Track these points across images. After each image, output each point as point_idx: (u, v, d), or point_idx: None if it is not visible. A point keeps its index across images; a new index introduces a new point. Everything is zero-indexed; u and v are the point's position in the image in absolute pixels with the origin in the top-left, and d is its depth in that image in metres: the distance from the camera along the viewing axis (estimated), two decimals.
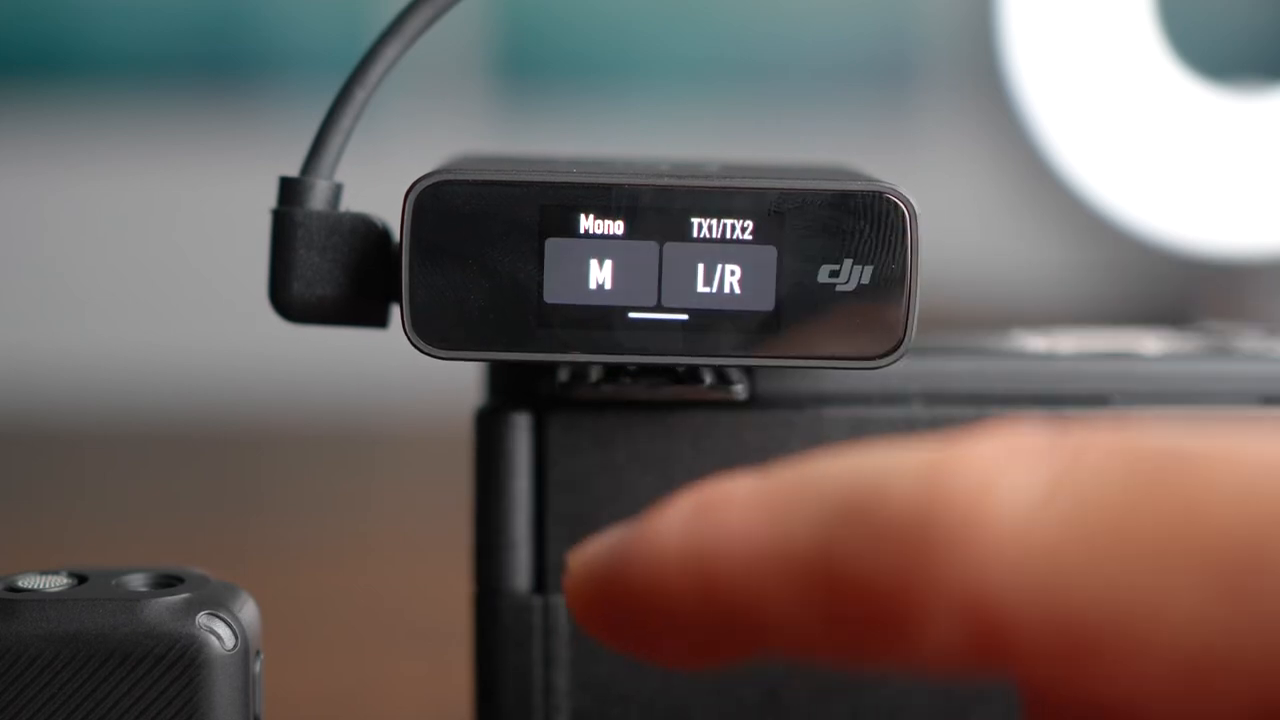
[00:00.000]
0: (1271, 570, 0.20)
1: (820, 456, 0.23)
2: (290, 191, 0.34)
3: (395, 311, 0.33)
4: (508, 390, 0.36)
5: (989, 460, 0.22)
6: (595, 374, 0.35)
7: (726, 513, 0.23)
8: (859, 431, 0.36)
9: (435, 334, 0.32)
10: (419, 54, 0.36)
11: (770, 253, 0.32)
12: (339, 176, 0.34)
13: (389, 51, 0.34)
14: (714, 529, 0.23)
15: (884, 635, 0.22)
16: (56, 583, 0.32)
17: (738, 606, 0.23)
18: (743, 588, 0.23)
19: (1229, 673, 0.20)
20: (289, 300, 0.34)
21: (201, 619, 0.31)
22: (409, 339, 0.32)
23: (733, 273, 0.32)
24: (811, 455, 0.24)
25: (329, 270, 0.34)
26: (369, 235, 0.34)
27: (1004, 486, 0.22)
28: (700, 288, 0.32)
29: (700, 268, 0.32)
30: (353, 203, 0.34)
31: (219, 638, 0.31)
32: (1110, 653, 0.21)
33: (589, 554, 0.25)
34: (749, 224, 0.32)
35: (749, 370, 0.35)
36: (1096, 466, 0.22)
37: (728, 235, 0.32)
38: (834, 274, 0.32)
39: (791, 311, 0.32)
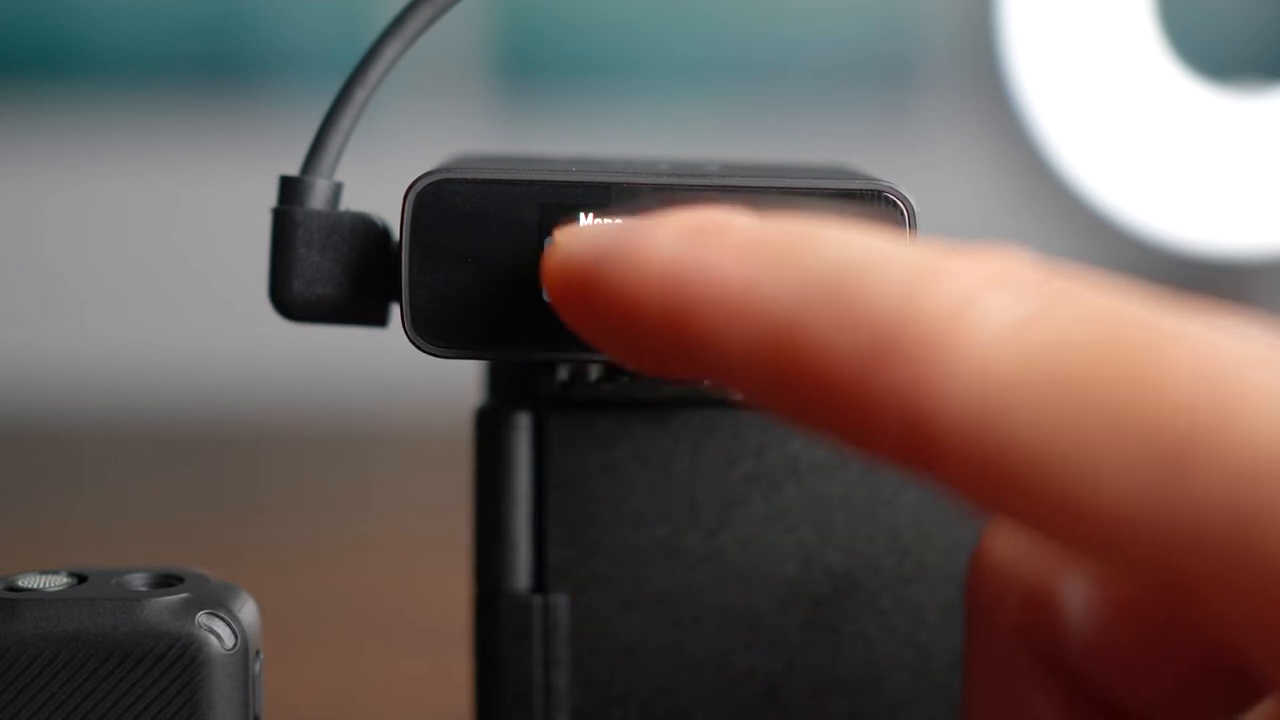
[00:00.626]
0: (1202, 463, 0.20)
1: (822, 222, 0.24)
2: (290, 191, 0.34)
3: (395, 310, 0.33)
4: (508, 390, 0.36)
5: (974, 280, 0.22)
6: (595, 374, 0.35)
7: (716, 247, 0.24)
8: None
9: (435, 333, 0.32)
10: (419, 54, 0.36)
11: None
12: (339, 176, 0.34)
13: (389, 51, 0.34)
14: (700, 257, 0.24)
15: (826, 411, 0.23)
16: (56, 583, 0.32)
17: (700, 338, 0.24)
18: (709, 325, 0.23)
19: (1149, 546, 0.21)
20: (289, 299, 0.34)
21: (201, 619, 0.31)
22: (409, 338, 0.32)
23: None
24: (812, 218, 0.24)
25: (329, 269, 0.34)
26: (369, 234, 0.34)
27: (978, 310, 0.22)
28: None
29: None
30: (353, 202, 0.34)
31: (219, 637, 0.31)
32: (1034, 494, 0.21)
33: (577, 237, 0.26)
34: None
35: None
36: (1073, 317, 0.22)
37: None
38: None
39: None
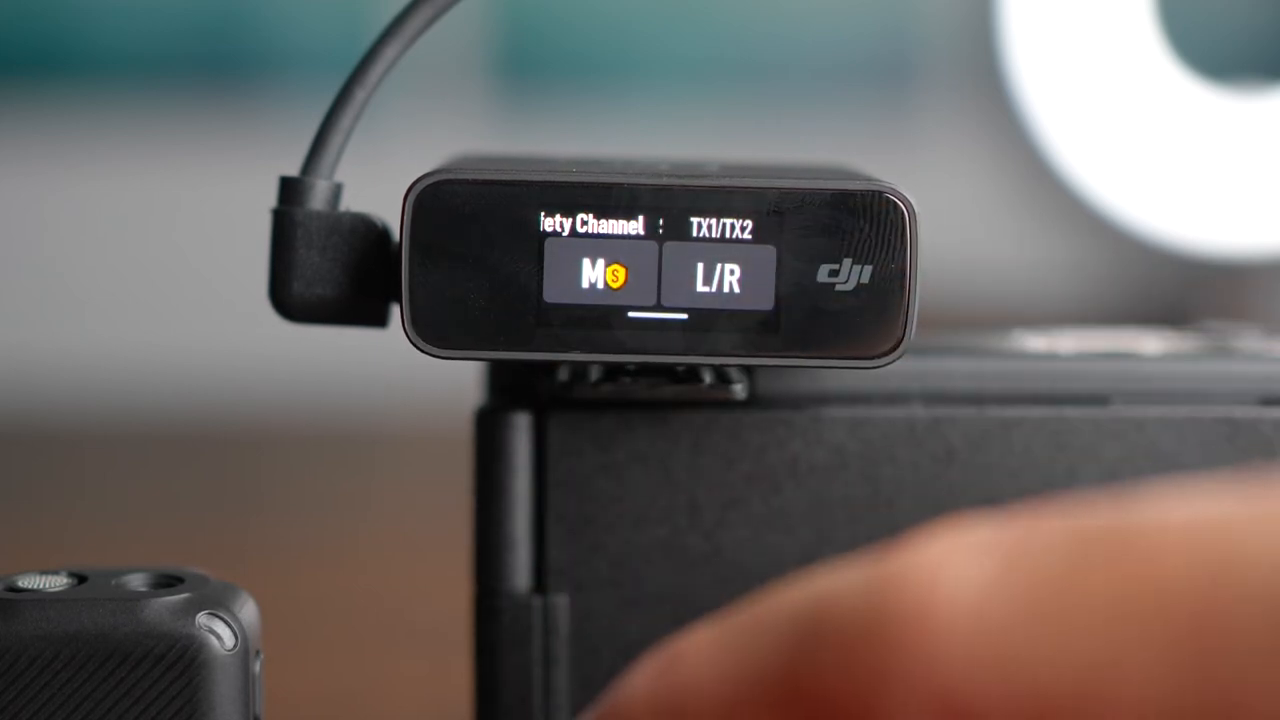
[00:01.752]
0: (1222, 628, 0.20)
1: (768, 592, 0.24)
2: (290, 191, 0.34)
3: (395, 311, 0.33)
4: (508, 390, 0.36)
5: (931, 560, 0.22)
6: (595, 374, 0.35)
7: (687, 664, 0.24)
8: (858, 431, 0.36)
9: (435, 333, 0.32)
10: (419, 54, 0.36)
11: (770, 252, 0.32)
12: (339, 176, 0.34)
13: (389, 51, 0.34)
14: (679, 682, 0.24)
15: None
16: (56, 583, 0.32)
17: None
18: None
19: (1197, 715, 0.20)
20: (289, 300, 0.34)
21: (201, 619, 0.31)
22: (409, 338, 0.32)
23: (732, 272, 0.32)
24: (759, 594, 0.24)
25: (329, 270, 0.34)
26: (369, 235, 0.34)
27: (949, 580, 0.22)
28: (700, 287, 0.32)
29: (700, 267, 0.32)
30: (353, 203, 0.34)
31: (219, 638, 0.31)
32: (1087, 713, 0.21)
33: None
34: (748, 223, 0.32)
35: (749, 370, 0.35)
36: (1040, 547, 0.22)
37: (727, 235, 0.32)
38: (833, 273, 0.32)
39: (791, 311, 0.32)
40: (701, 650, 0.24)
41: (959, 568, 0.22)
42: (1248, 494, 0.21)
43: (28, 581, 0.32)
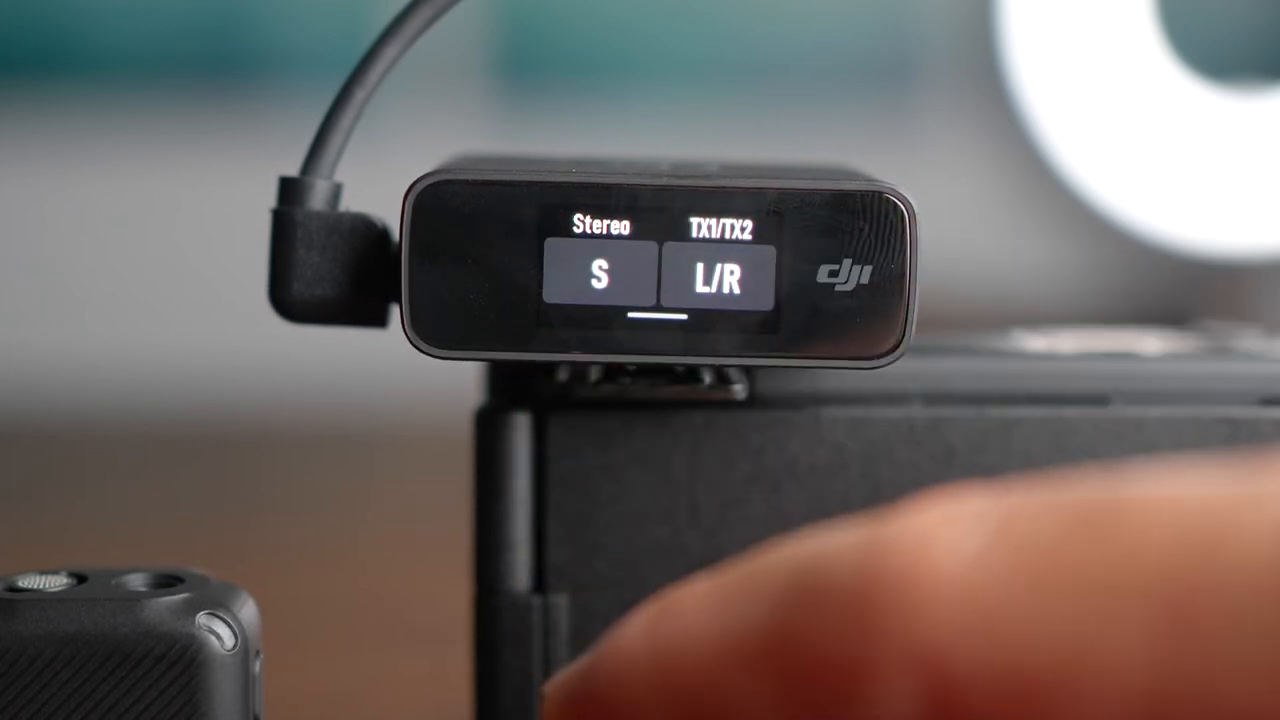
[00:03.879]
0: (1207, 604, 0.20)
1: (765, 549, 0.24)
2: (290, 191, 0.34)
3: (395, 311, 0.33)
4: (508, 390, 0.36)
5: (924, 526, 0.22)
6: (595, 374, 0.35)
7: (682, 615, 0.24)
8: (858, 431, 0.36)
9: (435, 334, 0.32)
10: (419, 54, 0.36)
11: (769, 252, 0.32)
12: (339, 176, 0.34)
13: (389, 51, 0.34)
14: (672, 632, 0.24)
15: (841, 704, 0.23)
16: (56, 583, 0.32)
17: (704, 701, 0.24)
18: (705, 682, 0.24)
19: (1177, 708, 0.20)
20: (289, 300, 0.34)
21: (201, 619, 0.31)
22: (409, 339, 0.32)
23: (732, 272, 0.32)
24: (757, 550, 0.24)
25: (329, 270, 0.34)
26: (369, 235, 0.34)
27: (941, 547, 0.22)
28: (699, 287, 0.32)
29: (699, 267, 0.32)
30: (353, 203, 0.34)
31: (219, 638, 0.31)
32: (1062, 696, 0.21)
33: (561, 681, 0.26)
34: (748, 224, 0.32)
35: (748, 370, 0.35)
36: (1032, 519, 0.22)
37: (727, 235, 0.32)
38: (833, 274, 0.32)
39: (791, 311, 0.32)
40: (696, 602, 0.24)
41: (951, 536, 0.22)
42: (1237, 475, 0.21)
43: (28, 581, 0.32)
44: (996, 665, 0.21)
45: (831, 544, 0.23)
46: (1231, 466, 0.22)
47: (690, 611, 0.24)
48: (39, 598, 0.31)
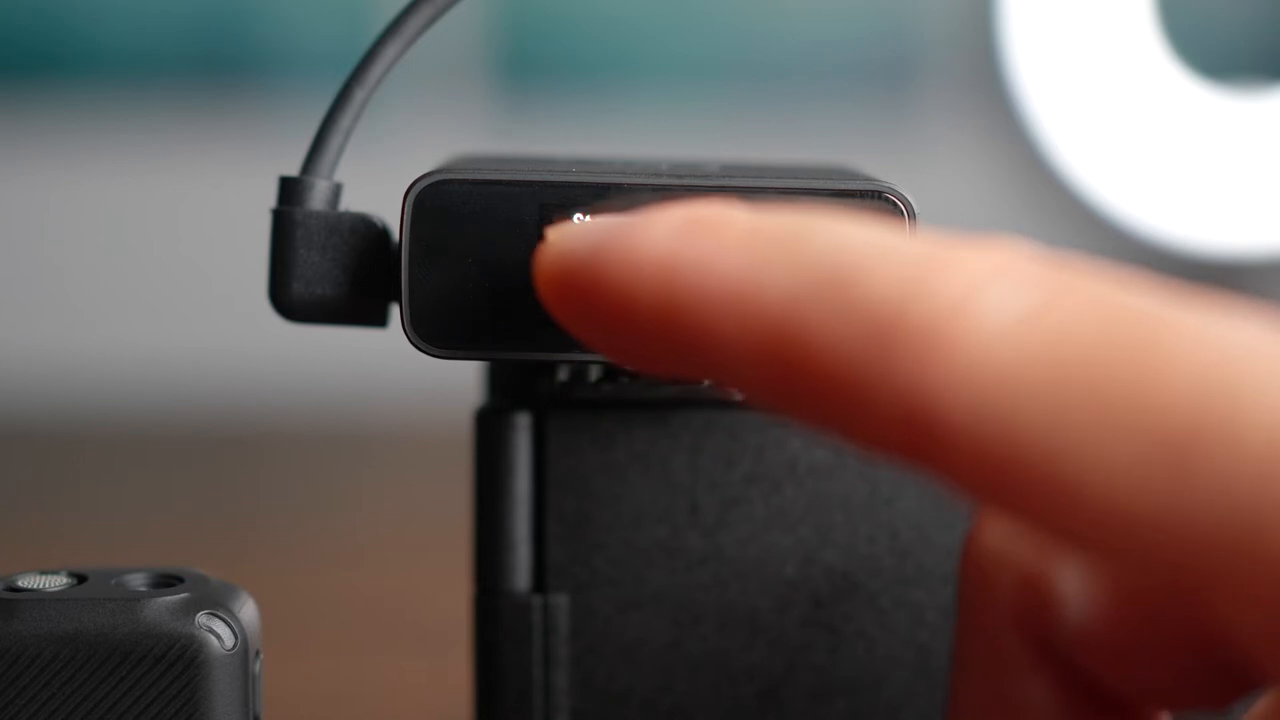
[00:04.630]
0: (1207, 459, 0.20)
1: (820, 215, 0.23)
2: (290, 191, 0.34)
3: (395, 311, 0.33)
4: (508, 390, 0.36)
5: (976, 272, 0.22)
6: (595, 374, 0.35)
7: (713, 240, 0.23)
8: None
9: (435, 333, 0.32)
10: (419, 54, 0.36)
11: None
12: (339, 176, 0.34)
13: (389, 51, 0.34)
14: (695, 251, 0.23)
15: (825, 406, 0.22)
16: (56, 583, 0.32)
17: (696, 333, 0.23)
18: (705, 319, 0.23)
19: (1152, 542, 0.20)
20: (289, 300, 0.34)
21: (201, 619, 0.31)
22: (409, 338, 0.32)
23: None
24: (811, 211, 0.24)
25: (329, 270, 0.34)
26: (369, 235, 0.34)
27: (981, 303, 0.22)
28: None
29: None
30: (353, 203, 0.34)
31: (219, 638, 0.31)
32: (1036, 489, 0.21)
33: (568, 234, 0.25)
34: None
35: None
36: (1076, 310, 0.22)
37: None
38: None
39: None
40: (732, 235, 0.23)
41: (993, 292, 0.22)
42: None
43: (28, 581, 0.32)
44: (986, 432, 0.21)
45: (883, 247, 0.23)
46: None
47: (723, 241, 0.23)
48: (39, 598, 0.31)
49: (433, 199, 0.32)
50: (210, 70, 1.59)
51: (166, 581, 0.32)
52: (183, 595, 0.31)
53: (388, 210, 0.34)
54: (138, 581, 0.32)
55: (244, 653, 0.31)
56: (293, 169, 0.34)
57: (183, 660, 0.31)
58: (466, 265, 0.32)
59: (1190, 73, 1.37)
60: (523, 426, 0.35)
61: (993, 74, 1.36)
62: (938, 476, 0.22)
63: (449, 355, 0.32)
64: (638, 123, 1.57)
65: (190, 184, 1.56)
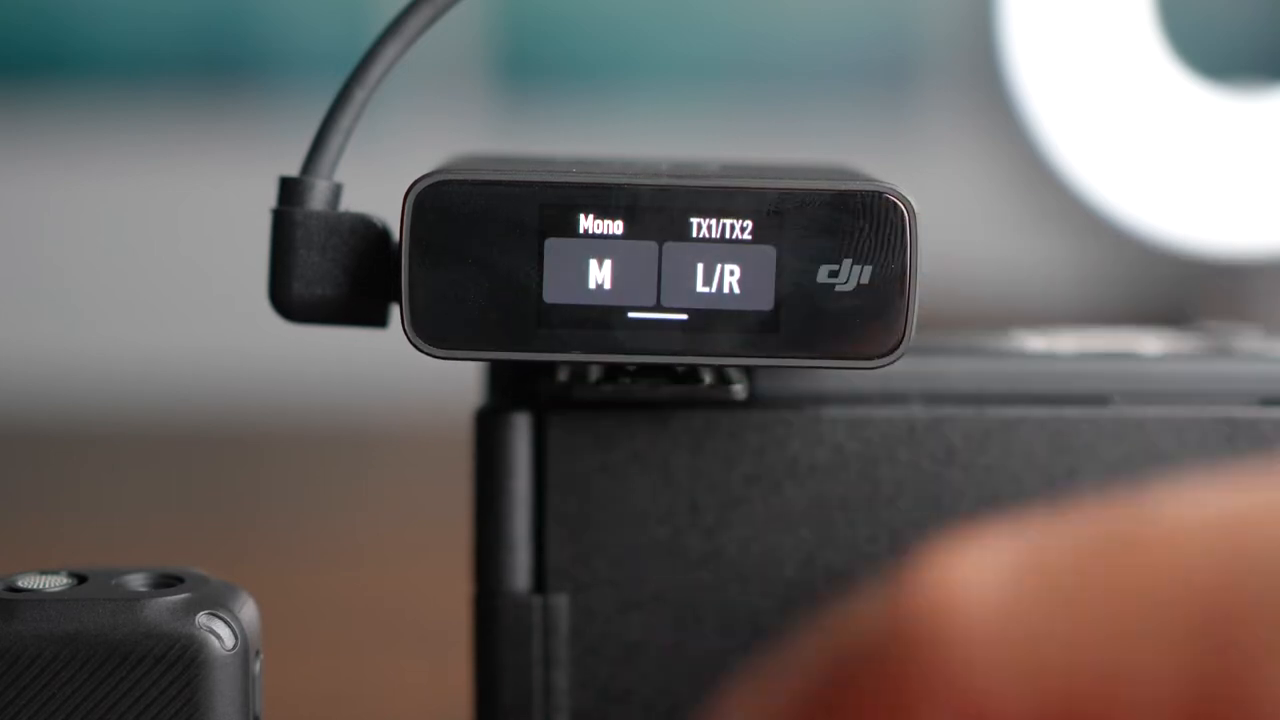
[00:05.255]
0: (1244, 616, 0.20)
1: (785, 647, 0.24)
2: (290, 191, 0.34)
3: (395, 311, 0.33)
4: (508, 390, 0.36)
5: (946, 576, 0.22)
6: (595, 374, 0.35)
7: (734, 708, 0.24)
8: (858, 431, 0.36)
9: (435, 334, 0.32)
10: (419, 54, 0.36)
11: (769, 252, 0.32)
12: (339, 176, 0.34)
13: (389, 51, 0.34)
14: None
15: None
16: (56, 583, 0.32)
17: None
18: None
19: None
20: (289, 300, 0.34)
21: (201, 619, 0.31)
22: (409, 339, 0.32)
23: (732, 272, 0.32)
24: (794, 634, 0.24)
25: (329, 270, 0.34)
26: (369, 235, 0.34)
27: (967, 592, 0.22)
28: (700, 287, 0.32)
29: (700, 267, 0.32)
30: (353, 203, 0.34)
31: (219, 638, 0.31)
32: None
33: None
34: (748, 224, 0.32)
35: (748, 370, 0.35)
36: (1056, 547, 0.22)
37: (727, 235, 0.32)
38: (833, 274, 0.32)
39: (791, 311, 0.32)
40: (734, 705, 0.24)
41: (975, 579, 0.22)
42: (1255, 486, 0.21)
43: (28, 581, 0.32)
44: (1040, 697, 0.21)
45: (855, 615, 0.23)
46: (1244, 479, 0.22)
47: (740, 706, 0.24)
48: (39, 598, 0.31)
49: (433, 199, 0.32)
50: (210, 70, 1.59)
51: (166, 582, 0.32)
52: (183, 595, 0.31)
53: (388, 210, 0.34)
54: (138, 581, 0.32)
55: (244, 653, 0.31)
56: (293, 169, 0.34)
57: (183, 660, 0.31)
58: (466, 265, 0.32)
59: (1190, 73, 1.37)
60: (523, 426, 0.35)
61: (993, 74, 1.36)
62: None
63: (449, 355, 0.32)
64: (638, 123, 1.57)
65: (190, 184, 1.56)
